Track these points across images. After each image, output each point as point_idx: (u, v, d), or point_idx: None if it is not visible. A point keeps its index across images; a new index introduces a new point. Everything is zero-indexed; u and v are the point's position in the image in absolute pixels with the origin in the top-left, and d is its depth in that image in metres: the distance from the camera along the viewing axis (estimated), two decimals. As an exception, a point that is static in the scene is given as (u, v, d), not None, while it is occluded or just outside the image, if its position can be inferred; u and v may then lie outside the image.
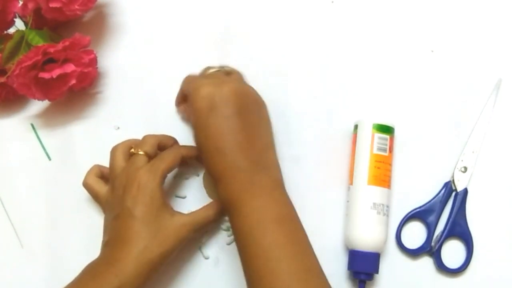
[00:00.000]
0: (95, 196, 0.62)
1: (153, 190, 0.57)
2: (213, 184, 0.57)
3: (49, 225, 0.65)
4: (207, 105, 0.55)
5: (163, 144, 0.62)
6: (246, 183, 0.55)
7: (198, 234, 0.61)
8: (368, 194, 0.60)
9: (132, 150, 0.60)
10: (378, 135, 0.61)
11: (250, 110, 0.57)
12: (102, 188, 0.62)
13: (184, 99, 0.63)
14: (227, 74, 0.61)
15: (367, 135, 0.61)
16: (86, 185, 0.62)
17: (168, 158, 0.59)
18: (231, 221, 0.55)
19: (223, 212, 0.62)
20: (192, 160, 0.64)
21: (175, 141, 0.64)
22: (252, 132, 0.56)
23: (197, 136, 0.57)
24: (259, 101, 0.59)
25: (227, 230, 0.63)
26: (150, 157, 0.59)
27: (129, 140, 0.62)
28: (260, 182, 0.55)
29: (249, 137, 0.56)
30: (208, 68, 0.62)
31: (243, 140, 0.56)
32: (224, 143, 0.55)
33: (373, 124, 0.61)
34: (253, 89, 0.59)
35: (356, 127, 0.63)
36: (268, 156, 0.58)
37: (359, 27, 0.70)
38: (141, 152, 0.59)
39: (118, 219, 0.57)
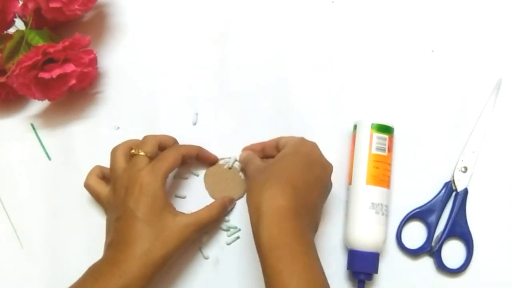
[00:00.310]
0: (97, 197, 0.62)
1: (156, 191, 0.57)
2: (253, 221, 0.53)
3: (49, 225, 0.65)
4: (313, 157, 0.56)
5: (164, 144, 0.62)
6: (301, 236, 0.51)
7: (199, 234, 0.61)
8: (367, 194, 0.60)
9: (133, 151, 0.60)
10: (377, 135, 0.61)
11: (328, 192, 0.58)
12: (103, 189, 0.62)
13: (271, 151, 0.62)
14: None
15: (365, 135, 0.61)
16: (87, 186, 0.62)
17: (169, 158, 0.59)
18: (268, 264, 0.50)
19: (225, 211, 0.63)
20: (192, 160, 0.64)
21: (175, 141, 0.64)
22: (320, 199, 0.56)
23: (277, 165, 0.55)
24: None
25: (227, 230, 0.63)
26: (151, 157, 0.59)
27: (129, 141, 0.62)
28: (312, 242, 0.52)
29: (317, 201, 0.56)
30: None
31: (314, 200, 0.54)
32: (304, 188, 0.53)
33: (372, 124, 0.61)
34: None
35: (355, 127, 0.63)
36: (317, 224, 0.56)
37: (359, 27, 0.70)
38: (141, 153, 0.59)
39: (121, 220, 0.57)
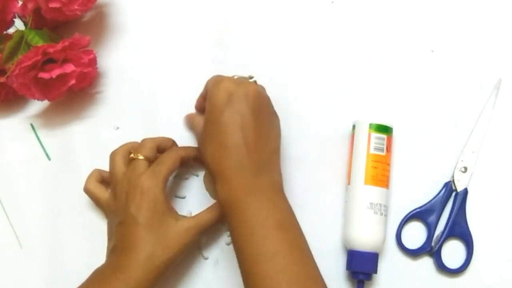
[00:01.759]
0: (97, 202, 0.62)
1: (156, 195, 0.57)
2: (212, 182, 0.57)
3: (48, 225, 0.64)
4: (224, 99, 0.56)
5: (162, 147, 0.62)
6: (249, 185, 0.54)
7: (202, 236, 0.61)
8: (365, 194, 0.60)
9: (132, 155, 0.60)
10: (375, 134, 0.61)
11: (264, 115, 0.57)
12: (103, 193, 0.62)
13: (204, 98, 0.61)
14: None
15: (363, 135, 0.61)
16: (87, 190, 0.62)
17: (168, 161, 0.59)
18: (229, 222, 0.54)
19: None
20: (191, 161, 0.64)
21: (173, 143, 0.64)
22: (261, 135, 0.56)
23: (206, 130, 0.57)
24: (272, 110, 0.59)
25: (227, 230, 0.63)
26: (150, 161, 0.59)
27: (127, 144, 0.62)
28: (263, 185, 0.55)
29: (258, 138, 0.56)
30: (235, 75, 0.61)
31: (251, 140, 0.55)
32: (232, 139, 0.55)
33: (370, 124, 0.61)
34: (269, 99, 0.59)
35: (354, 127, 0.63)
36: (272, 160, 0.57)
37: (359, 27, 0.70)
38: (141, 157, 0.59)
39: (122, 226, 0.57)
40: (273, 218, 0.53)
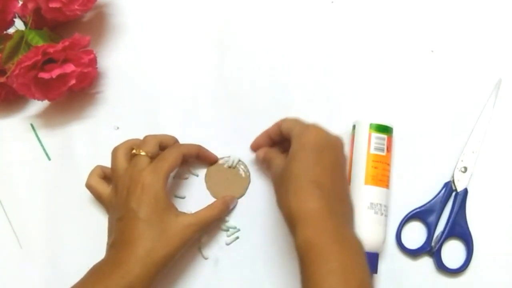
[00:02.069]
0: (99, 197, 0.62)
1: (158, 191, 0.57)
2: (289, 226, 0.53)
3: (48, 225, 0.64)
4: (317, 141, 0.54)
5: (164, 144, 0.62)
6: (337, 234, 0.50)
7: (201, 233, 0.61)
8: (365, 194, 0.60)
9: (134, 151, 0.60)
10: (376, 135, 0.61)
11: (346, 168, 0.58)
12: (105, 189, 0.62)
13: (278, 137, 0.61)
14: None
15: (364, 135, 0.61)
16: (89, 186, 0.62)
17: (170, 158, 0.59)
18: (307, 269, 0.49)
19: (227, 210, 0.63)
20: (192, 159, 0.64)
21: (176, 140, 0.64)
22: (346, 186, 0.56)
23: (291, 167, 0.54)
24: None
25: (227, 230, 0.63)
26: (152, 157, 0.59)
27: (130, 141, 0.62)
28: (351, 238, 0.51)
29: (346, 189, 0.56)
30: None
31: (342, 187, 0.54)
32: (324, 180, 0.53)
33: (370, 124, 0.61)
34: None
35: (354, 127, 0.63)
36: (352, 209, 0.56)
37: (359, 27, 0.70)
38: (143, 153, 0.59)
39: (123, 221, 0.57)
40: (357, 277, 0.49)
